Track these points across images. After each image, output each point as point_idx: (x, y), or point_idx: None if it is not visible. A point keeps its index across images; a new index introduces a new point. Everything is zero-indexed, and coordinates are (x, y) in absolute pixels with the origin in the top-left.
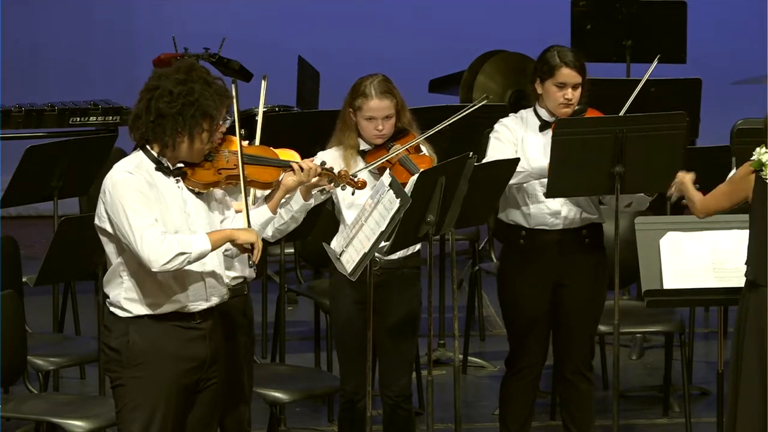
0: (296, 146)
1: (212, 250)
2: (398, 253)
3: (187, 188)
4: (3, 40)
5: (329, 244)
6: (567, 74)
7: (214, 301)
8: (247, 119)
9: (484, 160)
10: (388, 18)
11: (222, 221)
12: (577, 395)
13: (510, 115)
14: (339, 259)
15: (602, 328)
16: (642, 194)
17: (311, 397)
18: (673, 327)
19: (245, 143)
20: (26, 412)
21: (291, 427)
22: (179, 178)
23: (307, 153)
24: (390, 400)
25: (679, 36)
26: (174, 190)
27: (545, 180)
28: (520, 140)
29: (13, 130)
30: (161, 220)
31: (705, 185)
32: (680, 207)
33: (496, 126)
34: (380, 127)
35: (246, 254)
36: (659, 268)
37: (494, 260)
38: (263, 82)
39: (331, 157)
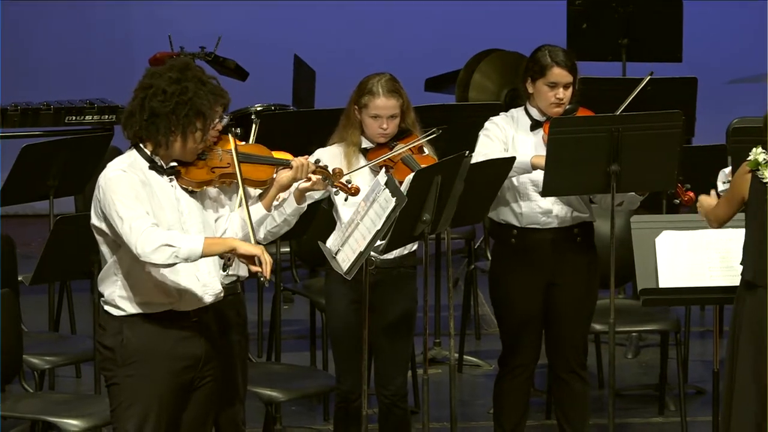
0: (292, 145)
1: (204, 254)
2: (394, 252)
3: (181, 187)
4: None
5: (325, 242)
6: (558, 74)
7: (209, 299)
8: (242, 118)
9: (473, 158)
10: (384, 17)
11: (216, 219)
12: (571, 394)
13: (501, 114)
14: (335, 258)
15: (598, 326)
16: (633, 193)
17: (307, 396)
18: (669, 326)
19: (240, 143)
20: (22, 411)
21: (287, 426)
22: (173, 176)
23: (302, 151)
24: (386, 399)
25: (674, 35)
26: (167, 188)
27: (537, 179)
28: (511, 139)
29: (9, 129)
30: (154, 217)
31: (701, 184)
32: (676, 206)
33: (487, 124)
34: (385, 126)
35: (256, 270)
36: (655, 266)
37: (490, 259)
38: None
39: (331, 154)
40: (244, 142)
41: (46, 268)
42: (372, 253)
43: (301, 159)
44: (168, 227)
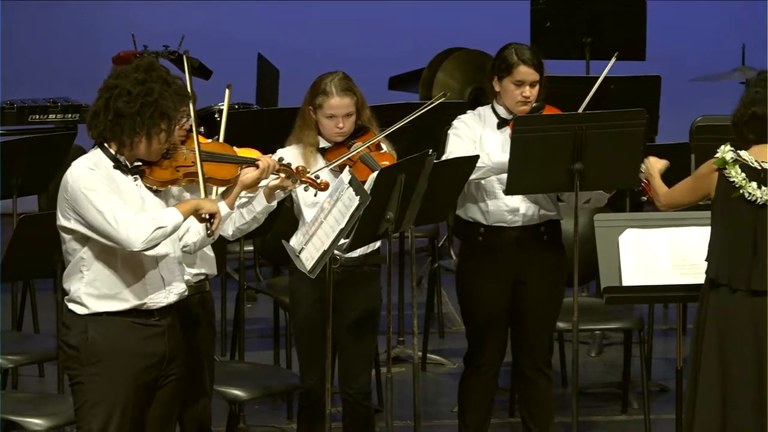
0: (256, 144)
1: (184, 219)
2: (358, 250)
3: (145, 186)
4: None
5: (289, 241)
6: (525, 72)
7: (173, 298)
8: (207, 117)
9: (444, 157)
10: (347, 15)
11: None
12: (536, 392)
13: (468, 112)
14: (298, 256)
15: (561, 325)
16: (600, 191)
17: (270, 394)
18: (632, 324)
19: (206, 140)
20: None
21: (250, 425)
22: (137, 176)
23: (267, 150)
24: (350, 397)
25: (638, 33)
26: (132, 188)
27: (504, 177)
28: (478, 137)
29: None
30: None
31: (664, 182)
32: (639, 204)
33: (455, 122)
34: (341, 125)
35: (204, 224)
36: (618, 264)
37: (454, 257)
38: (227, 90)
39: (290, 154)
40: (210, 140)
41: (9, 267)
42: (336, 252)
43: (267, 158)
44: None
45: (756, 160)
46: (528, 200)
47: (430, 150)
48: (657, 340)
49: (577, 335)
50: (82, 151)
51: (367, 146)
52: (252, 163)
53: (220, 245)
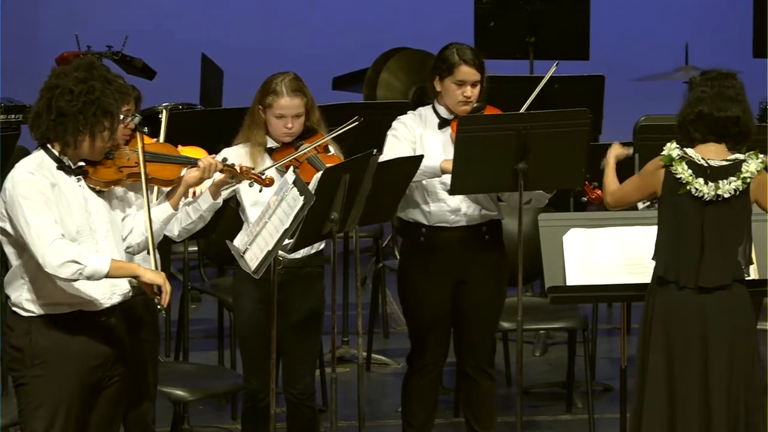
0: (200, 144)
1: (109, 275)
2: (301, 251)
3: (88, 186)
4: None
5: (233, 241)
6: (466, 72)
7: (117, 298)
8: (150, 117)
9: (380, 159)
10: (291, 15)
11: (123, 218)
12: (479, 392)
13: (409, 112)
14: (242, 256)
15: (505, 324)
16: (541, 191)
17: (215, 395)
18: (576, 323)
19: (151, 140)
20: None
21: (195, 426)
22: (80, 176)
23: (211, 150)
24: (293, 397)
25: (582, 33)
26: (75, 188)
27: (446, 178)
28: (419, 138)
29: None
30: (62, 220)
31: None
32: (583, 204)
33: (395, 124)
34: (290, 125)
35: (154, 298)
36: (562, 264)
37: (398, 257)
38: (163, 114)
39: (237, 154)
40: (155, 140)
41: None
42: (280, 252)
43: (208, 158)
44: (76, 228)
45: (702, 158)
46: (470, 200)
47: (374, 150)
48: (601, 339)
49: (522, 335)
50: (26, 152)
51: (315, 147)
52: (194, 163)
53: (165, 246)
